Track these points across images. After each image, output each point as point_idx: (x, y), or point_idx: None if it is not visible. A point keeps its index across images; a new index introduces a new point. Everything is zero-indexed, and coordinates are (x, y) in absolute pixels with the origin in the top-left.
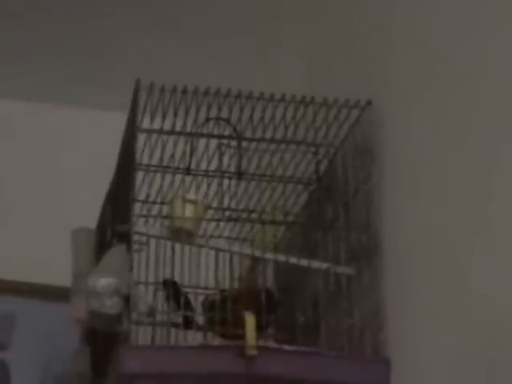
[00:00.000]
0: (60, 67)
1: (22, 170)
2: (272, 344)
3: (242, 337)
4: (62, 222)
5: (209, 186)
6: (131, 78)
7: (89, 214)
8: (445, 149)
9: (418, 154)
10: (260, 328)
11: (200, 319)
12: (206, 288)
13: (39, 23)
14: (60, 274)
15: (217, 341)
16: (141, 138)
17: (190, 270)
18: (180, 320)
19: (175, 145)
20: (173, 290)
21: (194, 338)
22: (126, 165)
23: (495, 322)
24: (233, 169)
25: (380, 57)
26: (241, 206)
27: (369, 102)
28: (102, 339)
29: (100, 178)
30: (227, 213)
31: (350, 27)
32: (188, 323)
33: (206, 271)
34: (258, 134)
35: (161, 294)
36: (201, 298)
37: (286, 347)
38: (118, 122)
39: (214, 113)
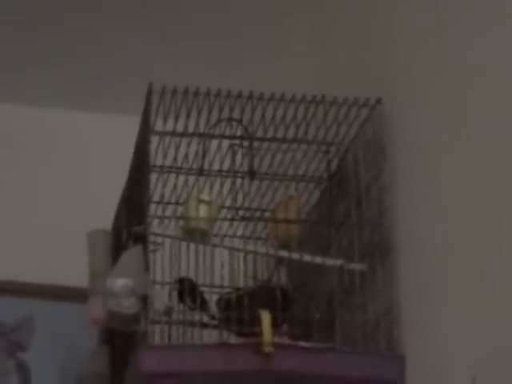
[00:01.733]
0: (69, 72)
1: (37, 174)
2: (288, 341)
3: (257, 335)
4: (77, 224)
5: (222, 186)
6: (142, 82)
7: (104, 217)
8: (456, 144)
9: (429, 149)
10: (275, 325)
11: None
12: (221, 287)
13: (43, 26)
14: (77, 276)
15: (233, 339)
16: (154, 140)
17: (205, 270)
18: (196, 319)
19: (188, 146)
20: (188, 288)
21: (210, 336)
22: (140, 167)
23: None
24: (245, 168)
25: (389, 54)
26: (254, 205)
27: (378, 101)
28: (120, 339)
29: (114, 180)
30: (240, 212)
31: (358, 25)
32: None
33: (221, 270)
34: (270, 134)
35: (176, 294)
36: (215, 297)
37: (302, 343)
38: (131, 125)
39: (225, 114)
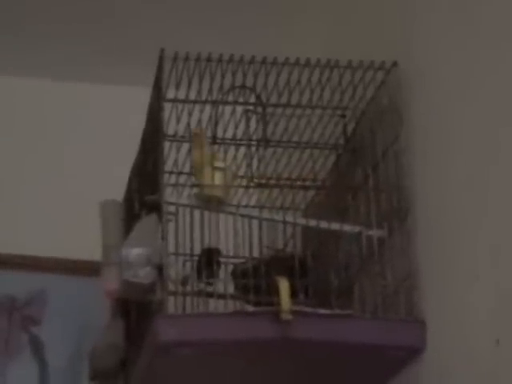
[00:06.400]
0: (80, 44)
1: (49, 146)
2: (307, 308)
3: (275, 304)
4: (89, 196)
5: (236, 153)
6: (153, 52)
7: (116, 187)
8: (473, 106)
9: (446, 112)
10: (293, 294)
11: (230, 288)
12: (236, 256)
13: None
14: (89, 249)
15: (250, 309)
16: (166, 108)
17: (218, 238)
18: (212, 289)
19: (201, 113)
20: (210, 259)
21: (225, 307)
22: (153, 135)
23: None
24: (259, 135)
25: (405, 17)
26: (268, 172)
27: (394, 64)
28: (135, 310)
29: (125, 151)
30: (255, 179)
31: None
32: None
33: (235, 239)
34: (284, 99)
35: (190, 264)
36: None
37: (321, 311)
38: (143, 95)
39: (239, 79)
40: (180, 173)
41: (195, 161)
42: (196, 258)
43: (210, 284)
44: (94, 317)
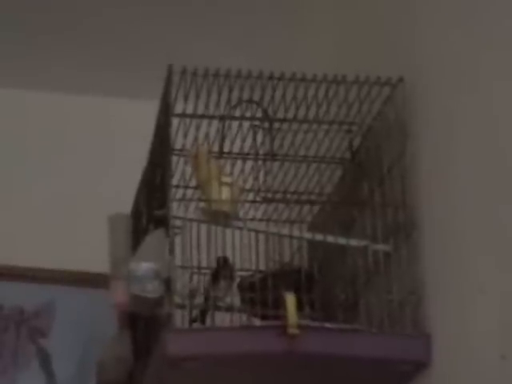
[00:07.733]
0: (87, 58)
1: (57, 158)
2: (313, 322)
3: (282, 317)
4: (97, 209)
5: (243, 167)
6: (159, 66)
7: (124, 201)
8: (479, 122)
9: (452, 128)
10: (299, 308)
11: (236, 301)
12: (241, 270)
13: (61, 11)
14: (97, 261)
15: (257, 322)
16: (174, 123)
17: (225, 252)
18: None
19: (208, 127)
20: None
21: (231, 320)
22: (161, 150)
23: None
24: (266, 150)
25: (410, 32)
26: (275, 187)
27: (400, 79)
28: (143, 323)
29: (134, 164)
30: (262, 194)
31: (379, 3)
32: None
33: (241, 253)
34: (291, 114)
35: (197, 278)
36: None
37: (327, 325)
38: (151, 108)
39: (246, 94)
40: (187, 187)
41: (201, 177)
42: (203, 272)
43: (218, 298)
44: (101, 329)
